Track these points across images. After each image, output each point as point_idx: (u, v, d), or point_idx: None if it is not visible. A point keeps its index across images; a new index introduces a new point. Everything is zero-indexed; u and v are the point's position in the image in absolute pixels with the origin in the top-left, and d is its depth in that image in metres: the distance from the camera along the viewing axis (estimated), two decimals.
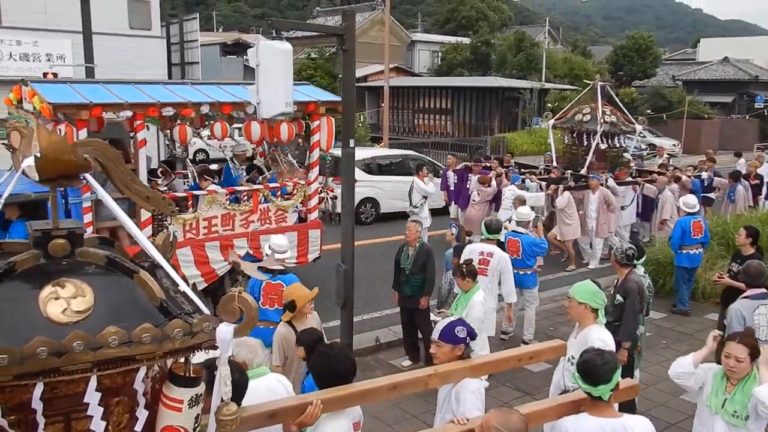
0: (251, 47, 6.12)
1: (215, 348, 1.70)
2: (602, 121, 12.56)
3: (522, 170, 13.41)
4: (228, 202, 8.53)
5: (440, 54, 38.34)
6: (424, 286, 7.21)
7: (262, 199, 8.76)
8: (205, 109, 7.97)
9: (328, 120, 8.95)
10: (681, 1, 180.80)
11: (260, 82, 5.91)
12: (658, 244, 11.35)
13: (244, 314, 1.74)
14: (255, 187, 8.93)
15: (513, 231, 8.39)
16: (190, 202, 8.21)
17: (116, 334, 1.55)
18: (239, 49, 33.18)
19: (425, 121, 31.62)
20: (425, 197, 11.87)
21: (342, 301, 7.16)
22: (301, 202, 9.17)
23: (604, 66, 39.62)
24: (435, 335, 3.60)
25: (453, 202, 13.34)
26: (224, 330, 1.71)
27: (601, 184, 11.57)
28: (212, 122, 8.78)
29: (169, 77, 19.74)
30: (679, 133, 31.82)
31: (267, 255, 6.39)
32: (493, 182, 11.94)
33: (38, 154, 1.67)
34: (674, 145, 32.13)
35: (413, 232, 7.39)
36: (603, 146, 12.65)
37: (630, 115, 13.99)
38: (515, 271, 8.12)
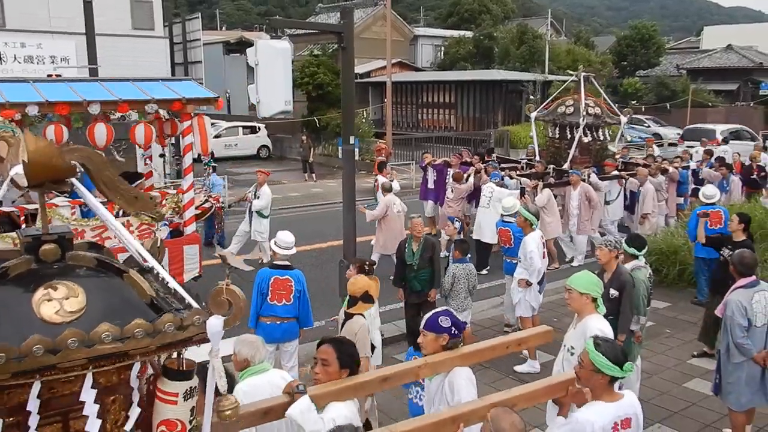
0: (254, 42, 6.17)
1: (207, 341, 1.76)
2: (585, 113, 12.26)
3: (502, 166, 12.97)
4: (75, 215, 7.40)
5: (443, 48, 38.23)
6: (433, 279, 7.28)
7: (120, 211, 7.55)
8: (32, 110, 6.83)
9: (200, 120, 7.94)
10: None
11: (259, 81, 5.98)
12: (661, 233, 11.36)
13: (233, 306, 1.79)
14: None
15: (503, 221, 8.44)
16: (23, 218, 6.96)
17: (109, 330, 1.60)
18: (242, 47, 33.21)
19: (429, 115, 31.60)
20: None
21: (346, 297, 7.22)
22: (176, 213, 8.15)
23: (608, 56, 39.45)
24: (421, 324, 3.67)
25: (429, 198, 13.12)
26: (214, 323, 1.76)
27: (583, 180, 11.26)
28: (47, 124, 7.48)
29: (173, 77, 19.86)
30: (683, 122, 31.64)
31: (274, 251, 6.45)
32: (470, 179, 11.71)
33: (26, 159, 1.71)
34: (678, 133, 32.02)
35: (419, 227, 7.44)
36: (586, 139, 12.37)
37: (614, 106, 13.67)
38: (507, 259, 8.25)
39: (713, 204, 8.96)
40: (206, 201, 9.11)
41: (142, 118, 7.90)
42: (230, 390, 2.98)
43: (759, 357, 5.09)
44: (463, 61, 34.97)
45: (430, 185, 13.15)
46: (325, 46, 31.44)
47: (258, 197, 10.94)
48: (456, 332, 3.59)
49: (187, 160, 8.38)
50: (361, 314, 5.32)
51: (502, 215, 8.70)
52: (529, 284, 7.36)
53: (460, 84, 30.16)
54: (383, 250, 10.07)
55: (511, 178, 11.67)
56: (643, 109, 34.45)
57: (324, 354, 3.33)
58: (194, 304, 1.79)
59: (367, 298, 5.28)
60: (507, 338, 3.68)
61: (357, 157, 11.52)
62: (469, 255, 7.45)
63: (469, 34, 37.50)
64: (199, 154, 8.55)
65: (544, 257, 7.61)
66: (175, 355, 1.86)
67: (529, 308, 7.55)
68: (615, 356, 3.23)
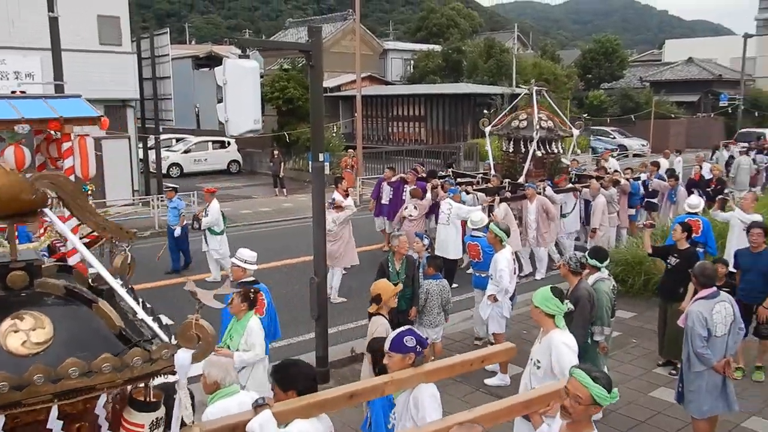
0: (223, 60, 6.16)
1: (174, 374, 1.77)
2: (538, 126, 12.29)
3: (458, 181, 12.83)
4: None
5: (412, 62, 38.57)
6: (413, 296, 7.33)
7: None
8: None
9: (81, 141, 7.34)
10: (647, 3, 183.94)
11: (228, 100, 5.99)
12: (626, 244, 11.59)
13: (202, 340, 1.81)
14: None
15: (472, 236, 8.53)
16: None
17: (76, 365, 1.61)
18: (212, 62, 33.04)
19: (399, 128, 31.78)
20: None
21: (316, 314, 7.23)
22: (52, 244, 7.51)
23: (573, 69, 40.21)
24: (386, 346, 3.71)
25: (383, 215, 12.99)
26: (182, 356, 1.78)
27: (539, 193, 11.30)
28: None
29: (141, 92, 19.65)
30: (647, 133, 32.40)
31: (239, 268, 6.45)
32: (428, 194, 11.70)
33: None
34: (643, 145, 32.77)
35: (404, 244, 7.46)
36: (539, 153, 12.37)
37: (566, 119, 13.71)
38: (476, 273, 8.33)
39: (695, 213, 9.20)
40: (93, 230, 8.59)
41: (11, 140, 7.08)
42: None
43: (719, 366, 5.24)
44: (432, 75, 35.31)
45: (385, 201, 12.99)
46: (295, 60, 31.46)
47: (206, 214, 11.10)
48: (420, 350, 3.64)
49: None
50: (381, 314, 5.59)
51: (471, 229, 8.79)
52: (497, 300, 7.46)
53: (430, 97, 30.44)
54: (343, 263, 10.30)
55: (467, 193, 11.65)
56: (608, 120, 35.17)
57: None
58: (162, 336, 1.81)
59: (376, 299, 5.62)
60: (471, 355, 3.74)
61: (327, 171, 11.56)
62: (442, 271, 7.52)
63: (437, 47, 37.90)
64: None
65: (514, 274, 7.72)
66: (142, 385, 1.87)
67: (502, 323, 7.63)
68: (609, 384, 3.09)
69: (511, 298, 7.72)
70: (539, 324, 4.69)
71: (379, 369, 4.23)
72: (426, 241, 7.90)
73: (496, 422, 3.41)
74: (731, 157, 19.30)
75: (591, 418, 3.20)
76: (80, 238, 7.83)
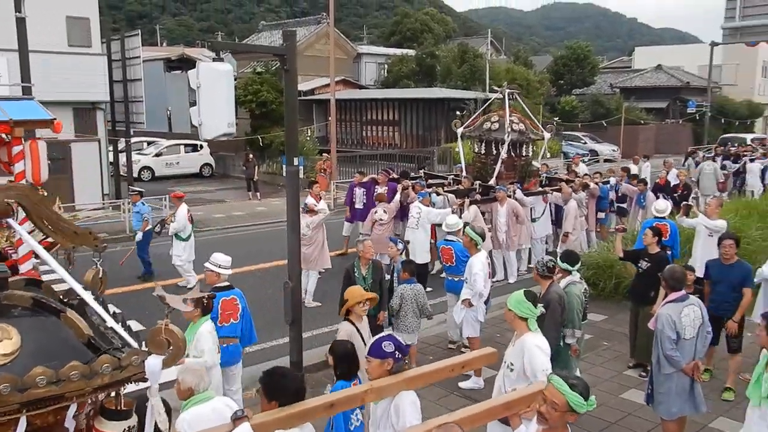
0: (196, 63, 6.09)
1: (145, 380, 1.75)
2: (509, 129, 12.32)
3: (429, 182, 12.84)
4: None
5: (386, 66, 38.67)
6: (381, 301, 7.30)
7: None
8: None
9: (33, 145, 7.15)
10: (617, 11, 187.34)
11: (201, 103, 5.92)
12: (597, 248, 11.74)
13: (172, 345, 1.78)
14: None
15: (446, 240, 8.56)
16: None
17: (44, 374, 1.57)
18: (184, 64, 32.71)
19: (373, 132, 31.82)
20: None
21: (290, 319, 7.18)
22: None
23: (546, 75, 40.72)
24: (366, 351, 3.72)
25: (357, 219, 12.89)
26: (153, 362, 1.75)
27: (509, 196, 11.30)
28: None
29: (111, 95, 19.37)
30: (617, 138, 32.93)
31: (213, 273, 6.39)
32: (397, 196, 11.71)
33: None
34: (614, 150, 33.31)
35: (369, 249, 7.44)
36: (505, 155, 12.36)
37: (538, 122, 13.77)
38: (449, 277, 8.34)
39: (663, 218, 9.36)
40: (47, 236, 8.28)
41: None
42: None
43: (688, 368, 5.33)
44: (406, 79, 35.43)
45: (359, 205, 12.95)
46: (268, 63, 31.30)
47: (174, 219, 10.98)
48: (400, 356, 3.64)
49: None
50: (349, 319, 5.60)
51: (446, 233, 8.81)
52: (471, 305, 7.49)
53: (404, 102, 30.54)
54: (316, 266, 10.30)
55: (438, 194, 11.68)
56: (579, 126, 35.67)
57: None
58: (133, 343, 1.78)
59: (342, 304, 5.67)
60: (452, 361, 3.75)
61: (302, 175, 11.49)
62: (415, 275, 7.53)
63: (411, 52, 38.05)
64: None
65: (489, 278, 7.76)
66: (113, 393, 1.84)
67: (476, 327, 7.66)
68: (586, 392, 3.11)
69: (486, 302, 7.77)
70: (513, 327, 4.73)
71: (341, 372, 4.29)
72: (400, 246, 7.91)
73: (475, 425, 3.42)
74: (697, 164, 19.70)
75: (567, 424, 3.22)
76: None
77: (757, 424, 4.58)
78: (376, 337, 3.82)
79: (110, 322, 1.84)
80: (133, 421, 1.88)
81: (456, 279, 8.15)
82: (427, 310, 7.48)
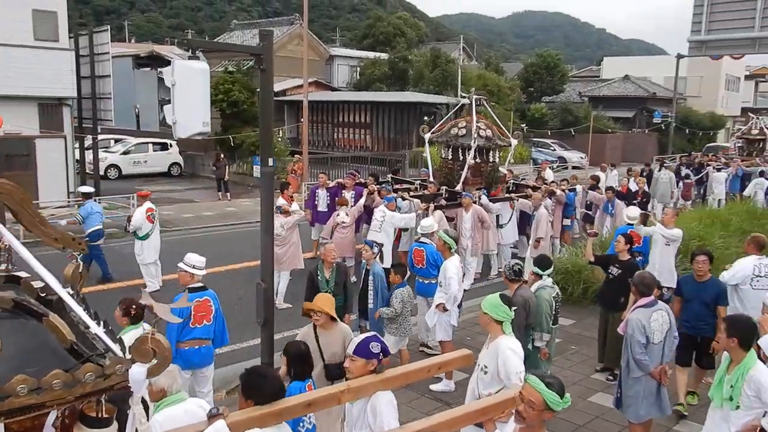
0: (166, 60, 6.01)
1: (128, 389, 1.71)
2: (476, 135, 12.29)
3: (395, 188, 12.74)
4: None
5: (359, 69, 38.68)
6: (345, 304, 7.26)
7: None
8: None
9: None
10: (587, 21, 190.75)
11: (176, 101, 5.84)
12: (567, 253, 11.91)
13: (157, 355, 1.75)
14: None
15: (418, 242, 8.59)
16: None
17: (25, 383, 1.52)
18: (153, 61, 32.28)
19: (345, 135, 31.79)
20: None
21: (262, 320, 7.12)
22: None
23: (516, 82, 41.21)
24: (350, 350, 3.69)
25: (319, 222, 12.76)
26: (137, 371, 1.72)
27: (474, 202, 11.28)
28: None
29: (79, 91, 18.97)
30: (586, 146, 33.48)
31: (186, 273, 6.30)
32: (361, 201, 11.67)
33: None
34: (582, 157, 33.86)
35: (331, 252, 7.42)
36: (472, 161, 12.33)
37: (505, 129, 13.78)
38: (420, 280, 8.37)
39: (633, 225, 9.50)
40: None
41: None
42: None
43: (656, 372, 5.45)
44: (378, 83, 35.50)
45: (322, 208, 12.82)
46: (240, 63, 31.07)
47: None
48: (383, 357, 3.65)
49: None
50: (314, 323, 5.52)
51: (420, 235, 8.83)
52: (446, 309, 7.53)
53: (376, 105, 30.57)
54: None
55: (404, 199, 11.63)
56: (549, 133, 36.18)
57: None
58: (116, 350, 1.74)
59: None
60: (428, 362, 3.75)
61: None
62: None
63: (384, 56, 38.14)
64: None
65: (462, 281, 7.81)
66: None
67: (449, 331, 7.70)
68: (562, 390, 3.16)
69: (459, 306, 7.82)
70: (487, 330, 4.77)
71: (294, 372, 4.30)
72: (376, 249, 7.91)
73: (452, 429, 3.44)
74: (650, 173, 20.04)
75: (543, 423, 3.28)
76: None
77: (719, 426, 4.69)
78: (362, 336, 3.79)
79: (93, 327, 1.79)
80: (113, 428, 1.83)
81: (426, 282, 8.20)
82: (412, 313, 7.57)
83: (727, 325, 4.62)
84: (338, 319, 5.60)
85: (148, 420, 3.51)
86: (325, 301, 5.49)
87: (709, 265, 6.80)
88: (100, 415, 1.76)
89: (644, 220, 9.84)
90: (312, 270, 7.46)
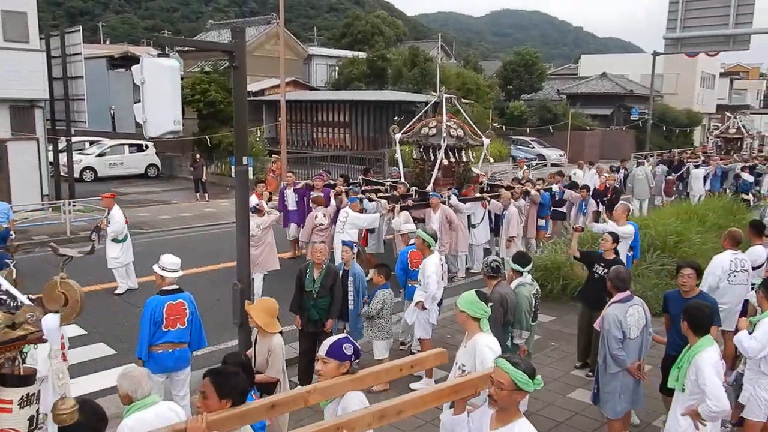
0: (142, 58, 5.87)
1: (44, 341, 1.62)
2: (447, 134, 12.14)
3: (364, 189, 12.59)
4: None
5: (337, 68, 38.55)
6: (331, 308, 7.16)
7: None
8: None
9: None
10: (564, 20, 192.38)
11: (146, 100, 5.73)
12: (546, 250, 11.92)
13: (69, 300, 1.66)
14: None
15: (413, 244, 8.54)
16: None
17: None
18: (128, 62, 31.76)
19: (324, 134, 31.65)
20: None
21: (239, 321, 7.02)
22: None
23: (495, 80, 41.37)
24: (322, 352, 3.62)
25: (291, 222, 12.70)
26: (51, 319, 1.64)
27: (443, 202, 11.11)
28: None
29: (51, 93, 18.63)
30: (564, 143, 33.71)
31: (160, 275, 6.18)
32: (332, 201, 11.52)
33: None
34: (560, 155, 34.10)
35: (322, 253, 7.27)
36: (445, 161, 12.20)
37: (477, 128, 13.64)
38: (411, 284, 8.26)
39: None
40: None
41: None
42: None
43: (633, 368, 5.45)
44: (357, 81, 35.40)
45: (292, 207, 12.70)
46: (217, 63, 30.80)
47: (109, 223, 10.52)
48: (355, 359, 3.58)
49: None
50: (281, 332, 5.35)
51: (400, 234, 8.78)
52: (425, 308, 7.49)
53: (355, 104, 30.47)
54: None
55: (371, 200, 11.46)
56: (528, 131, 36.36)
57: (203, 386, 3.39)
58: (26, 302, 1.65)
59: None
60: (401, 361, 3.67)
61: (251, 176, 11.22)
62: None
63: (362, 54, 38.05)
64: None
65: (442, 279, 7.76)
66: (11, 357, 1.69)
67: (428, 329, 7.65)
68: (531, 371, 3.18)
69: (438, 304, 7.78)
70: (464, 328, 4.72)
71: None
72: (355, 250, 7.81)
73: (420, 410, 3.39)
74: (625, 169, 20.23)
75: (518, 406, 3.29)
76: None
77: (673, 408, 4.81)
78: (335, 338, 3.71)
79: (4, 285, 1.68)
80: (34, 388, 1.73)
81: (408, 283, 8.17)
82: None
83: (684, 309, 4.75)
84: (276, 331, 5.34)
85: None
86: (258, 308, 5.33)
87: (696, 279, 5.99)
88: (18, 373, 1.67)
89: (596, 217, 9.83)
90: (302, 267, 7.34)
